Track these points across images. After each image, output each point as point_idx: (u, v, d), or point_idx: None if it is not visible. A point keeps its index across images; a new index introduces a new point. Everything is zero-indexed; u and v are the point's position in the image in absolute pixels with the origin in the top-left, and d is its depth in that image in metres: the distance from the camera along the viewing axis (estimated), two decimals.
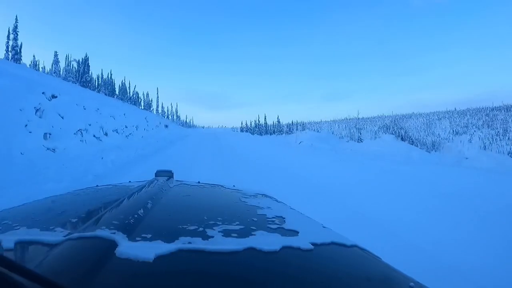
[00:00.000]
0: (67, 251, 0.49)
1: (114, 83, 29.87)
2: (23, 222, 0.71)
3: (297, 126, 38.88)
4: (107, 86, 27.80)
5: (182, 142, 17.15)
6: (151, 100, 38.45)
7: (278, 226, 0.72)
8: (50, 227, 0.63)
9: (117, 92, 29.92)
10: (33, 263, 0.44)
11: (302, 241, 0.62)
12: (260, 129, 40.13)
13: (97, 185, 1.25)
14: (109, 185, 1.23)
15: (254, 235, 0.64)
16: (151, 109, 37.62)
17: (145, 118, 17.97)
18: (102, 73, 28.28)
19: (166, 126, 24.67)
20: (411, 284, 0.54)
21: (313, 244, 0.62)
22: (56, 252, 0.48)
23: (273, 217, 0.79)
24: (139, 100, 36.57)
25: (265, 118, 43.00)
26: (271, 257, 0.55)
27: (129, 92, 33.35)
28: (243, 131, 48.83)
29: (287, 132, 35.22)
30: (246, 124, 51.30)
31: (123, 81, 32.26)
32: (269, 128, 39.88)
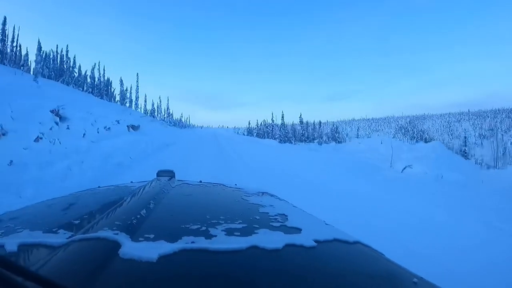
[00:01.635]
0: (70, 252, 0.49)
1: (70, 64, 19.98)
2: (26, 224, 0.71)
3: (317, 128, 29.01)
4: (47, 64, 17.74)
5: (146, 165, 7.29)
6: (127, 90, 28.28)
7: (281, 224, 0.71)
8: (53, 229, 0.64)
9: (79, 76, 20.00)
10: (36, 266, 0.45)
11: (305, 239, 0.61)
12: (285, 134, 28.92)
13: (98, 186, 1.23)
14: (111, 186, 1.21)
15: (257, 233, 0.63)
16: (125, 102, 27.17)
17: (57, 113, 7.47)
18: (52, 53, 18.15)
19: (135, 127, 14.24)
20: (415, 280, 0.53)
21: (316, 241, 0.61)
22: (59, 254, 0.48)
23: (275, 215, 0.78)
24: (112, 89, 26.58)
25: (282, 117, 31.18)
26: (274, 255, 0.55)
27: (96, 78, 23.43)
28: (251, 134, 38.44)
29: (337, 141, 24.71)
30: (257, 124, 40.83)
31: (95, 70, 22.40)
32: (295, 132, 29.08)
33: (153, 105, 36.14)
